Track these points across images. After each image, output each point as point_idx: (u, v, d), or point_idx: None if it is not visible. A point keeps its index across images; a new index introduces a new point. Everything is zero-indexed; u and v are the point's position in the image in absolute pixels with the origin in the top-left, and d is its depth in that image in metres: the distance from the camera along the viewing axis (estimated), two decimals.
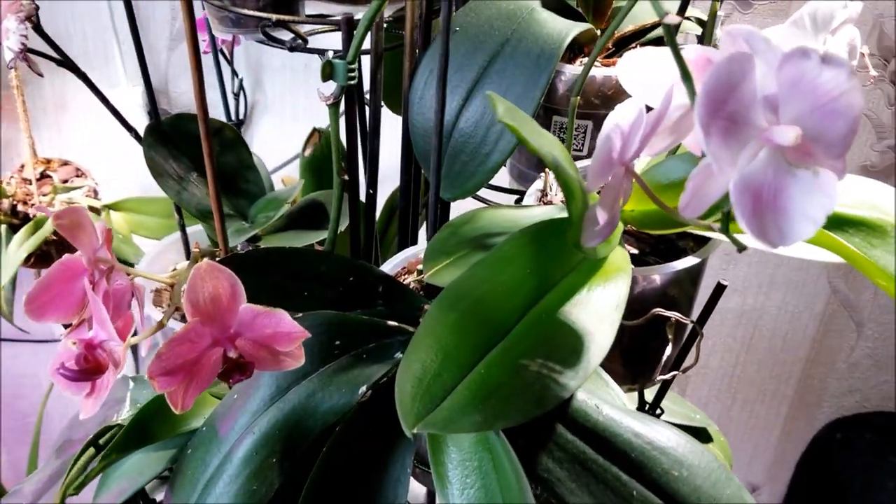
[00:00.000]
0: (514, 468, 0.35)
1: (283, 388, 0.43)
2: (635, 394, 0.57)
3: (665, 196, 0.45)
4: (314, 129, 0.83)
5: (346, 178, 0.40)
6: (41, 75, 0.60)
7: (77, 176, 0.90)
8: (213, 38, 0.66)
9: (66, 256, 0.35)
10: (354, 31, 0.37)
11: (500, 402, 0.34)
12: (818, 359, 1.41)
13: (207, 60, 0.72)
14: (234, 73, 0.72)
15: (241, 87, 0.71)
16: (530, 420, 0.35)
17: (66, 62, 0.60)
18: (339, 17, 0.59)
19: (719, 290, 0.50)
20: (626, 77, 0.35)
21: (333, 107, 0.38)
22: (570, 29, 0.51)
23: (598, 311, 0.38)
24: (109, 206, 0.85)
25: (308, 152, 0.84)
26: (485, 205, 0.65)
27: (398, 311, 0.46)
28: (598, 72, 0.56)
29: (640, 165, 0.49)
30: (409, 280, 0.52)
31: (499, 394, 0.34)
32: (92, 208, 0.86)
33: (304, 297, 0.46)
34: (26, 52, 0.57)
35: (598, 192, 0.35)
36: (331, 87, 0.40)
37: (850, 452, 1.32)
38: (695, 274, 0.52)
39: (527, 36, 0.51)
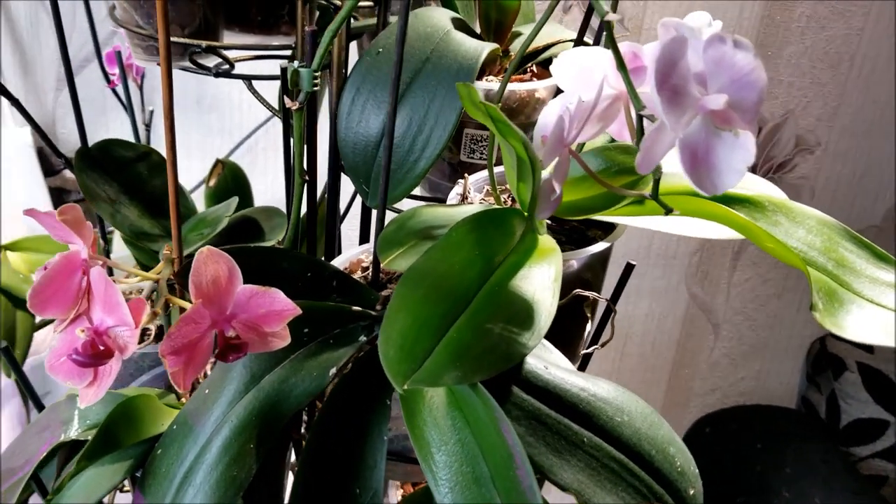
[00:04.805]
0: (490, 413, 0.40)
1: (257, 376, 0.45)
2: None
3: (582, 186, 0.52)
4: (217, 161, 0.86)
5: (307, 178, 0.44)
6: None
7: None
8: (123, 70, 0.68)
9: (65, 251, 0.37)
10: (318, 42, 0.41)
11: (474, 359, 0.39)
12: (683, 361, 1.54)
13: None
14: (144, 103, 0.74)
15: (151, 118, 0.73)
16: (489, 384, 0.40)
17: None
18: (266, 44, 0.63)
19: (628, 269, 0.56)
20: (560, 74, 0.42)
21: (298, 112, 0.42)
22: (484, 47, 0.57)
23: (541, 283, 0.44)
24: (6, 247, 0.83)
25: (213, 182, 0.86)
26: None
27: (351, 304, 0.50)
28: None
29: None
30: (356, 277, 0.56)
31: (472, 352, 0.39)
32: None
33: None
34: None
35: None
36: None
37: (719, 445, 1.44)
38: (604, 258, 0.59)
39: (446, 54, 0.57)
